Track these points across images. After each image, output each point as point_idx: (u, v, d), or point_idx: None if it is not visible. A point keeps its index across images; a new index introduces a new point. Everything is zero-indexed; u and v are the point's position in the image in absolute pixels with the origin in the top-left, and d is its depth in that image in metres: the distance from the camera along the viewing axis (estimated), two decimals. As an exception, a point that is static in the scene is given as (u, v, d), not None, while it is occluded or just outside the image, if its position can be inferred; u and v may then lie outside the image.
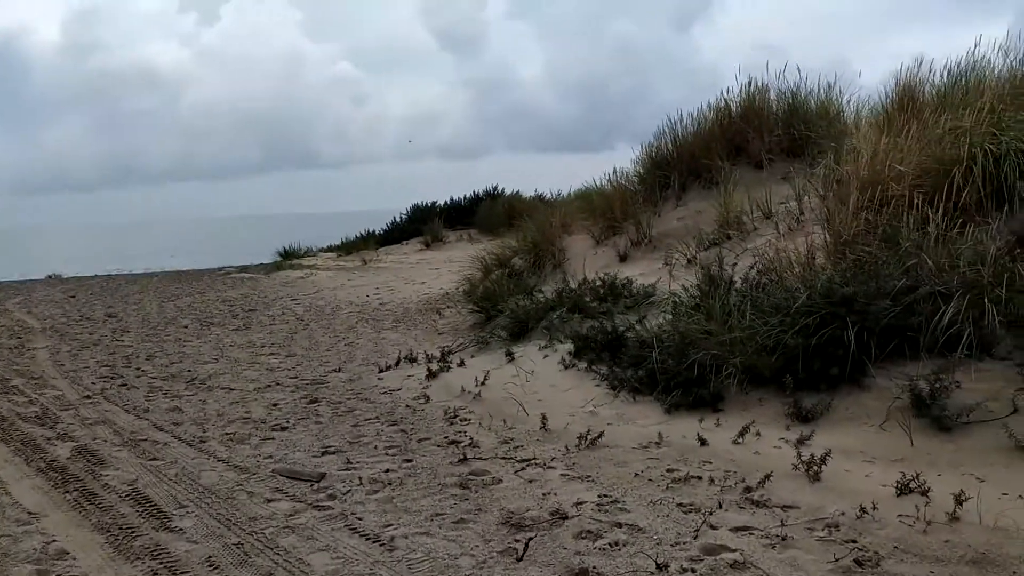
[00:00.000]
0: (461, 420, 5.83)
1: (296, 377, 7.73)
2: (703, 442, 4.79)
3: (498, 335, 8.15)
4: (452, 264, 18.60)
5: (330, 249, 27.13)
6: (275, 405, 6.66)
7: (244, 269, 21.17)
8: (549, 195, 27.53)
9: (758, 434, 4.81)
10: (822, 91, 10.31)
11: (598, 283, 8.46)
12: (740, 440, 4.78)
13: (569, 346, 7.03)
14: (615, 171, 11.43)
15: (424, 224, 25.69)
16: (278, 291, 14.67)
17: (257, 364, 8.46)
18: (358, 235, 27.23)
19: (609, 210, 10.55)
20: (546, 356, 6.99)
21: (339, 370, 7.95)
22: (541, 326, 7.83)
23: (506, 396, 6.17)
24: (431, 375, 6.98)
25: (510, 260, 11.79)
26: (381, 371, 7.68)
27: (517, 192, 27.15)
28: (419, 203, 28.53)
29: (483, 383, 6.49)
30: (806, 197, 8.33)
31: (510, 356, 7.09)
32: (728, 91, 10.69)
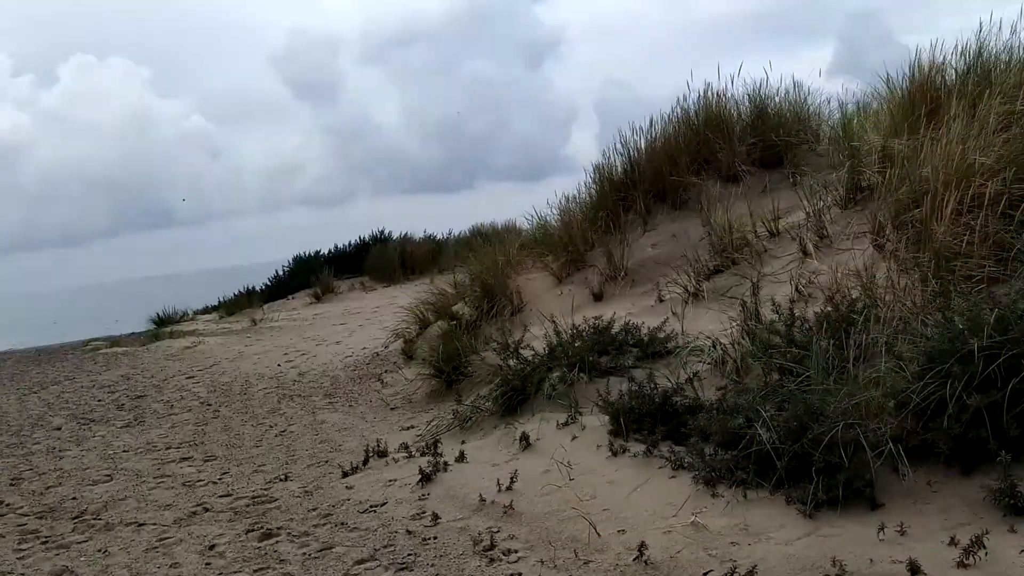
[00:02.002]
0: (504, 553, 3.96)
1: (229, 495, 5.61)
2: (915, 570, 3.13)
3: (483, 408, 6.29)
4: (356, 317, 16.53)
5: (208, 311, 24.32)
6: (212, 547, 4.60)
7: (115, 342, 18.22)
8: (440, 236, 25.93)
9: (983, 546, 3.19)
10: (787, 94, 9.08)
11: (590, 331, 6.74)
12: (968, 561, 3.15)
13: (600, 420, 5.27)
14: (565, 198, 9.79)
15: (310, 275, 23.37)
16: (165, 367, 12.16)
17: (168, 477, 6.25)
18: (237, 293, 24.53)
19: (570, 242, 8.89)
20: (574, 437, 5.19)
21: (285, 478, 5.87)
22: (544, 393, 6.04)
23: (555, 506, 4.34)
24: (425, 478, 5.05)
25: (449, 308, 9.92)
26: (345, 474, 5.66)
27: (406, 234, 25.37)
28: (301, 253, 26.13)
29: (510, 487, 4.62)
30: (826, 209, 6.95)
31: (525, 441, 5.25)
32: (683, 99, 9.31)
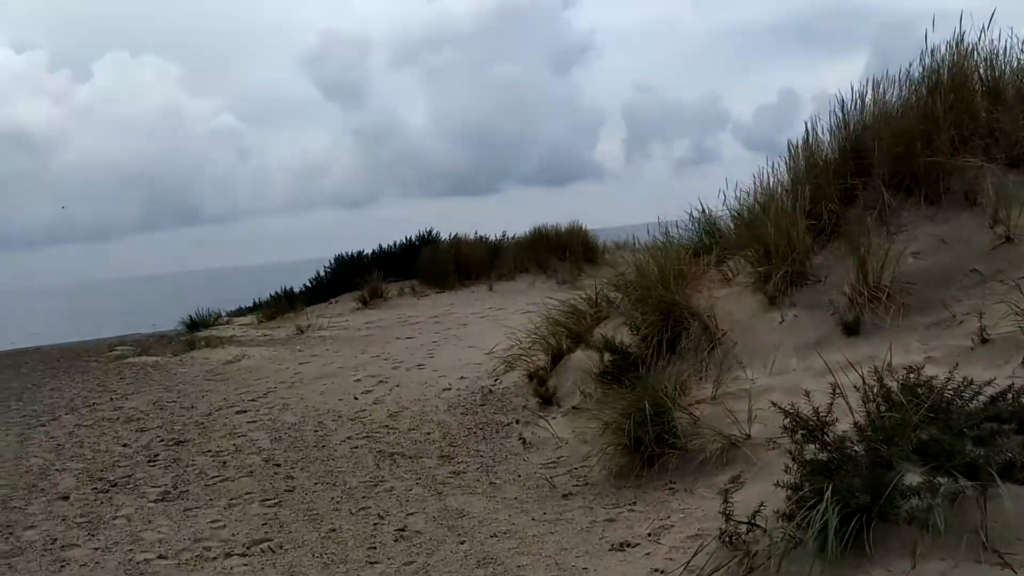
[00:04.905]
0: None
1: None
2: None
3: (786, 533, 3.48)
4: (417, 328, 13.82)
5: (243, 312, 21.66)
6: None
7: (143, 349, 15.51)
8: (493, 237, 23.15)
9: None
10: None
11: (905, 391, 3.94)
12: None
13: None
14: (760, 186, 6.95)
15: (355, 278, 20.59)
16: (207, 392, 9.43)
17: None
18: (274, 294, 21.76)
19: (788, 246, 6.07)
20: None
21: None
22: (907, 515, 3.25)
23: None
24: None
25: (591, 330, 7.14)
26: None
27: (456, 235, 22.50)
28: (344, 253, 23.31)
29: None
30: None
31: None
32: (930, 54, 6.52)
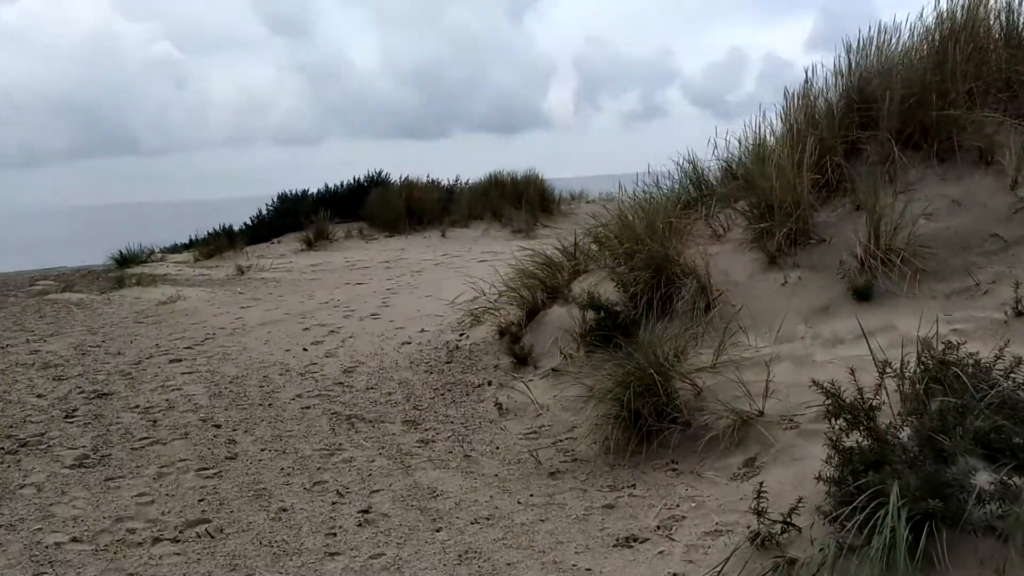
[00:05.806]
0: None
1: None
2: None
3: (839, 543, 2.92)
4: (367, 273, 13.02)
5: (179, 249, 20.34)
6: None
7: (68, 285, 14.26)
8: (445, 182, 22.24)
9: None
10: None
11: (952, 369, 3.41)
12: None
13: None
14: (755, 135, 6.33)
15: (298, 217, 19.53)
16: (136, 334, 8.50)
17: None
18: (213, 231, 20.48)
19: (793, 203, 5.47)
20: None
21: None
22: (985, 520, 2.71)
23: None
24: None
25: (567, 284, 6.49)
26: None
27: (408, 178, 21.46)
28: (287, 192, 22.07)
29: None
30: None
31: None
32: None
